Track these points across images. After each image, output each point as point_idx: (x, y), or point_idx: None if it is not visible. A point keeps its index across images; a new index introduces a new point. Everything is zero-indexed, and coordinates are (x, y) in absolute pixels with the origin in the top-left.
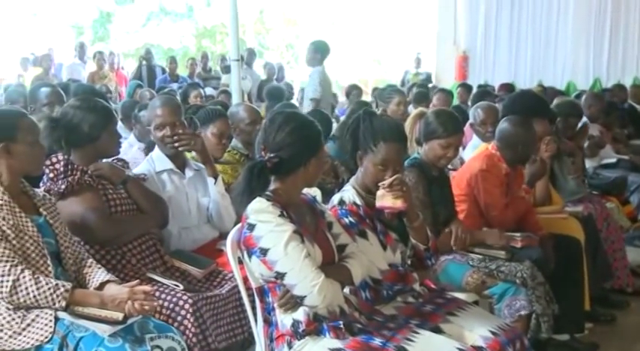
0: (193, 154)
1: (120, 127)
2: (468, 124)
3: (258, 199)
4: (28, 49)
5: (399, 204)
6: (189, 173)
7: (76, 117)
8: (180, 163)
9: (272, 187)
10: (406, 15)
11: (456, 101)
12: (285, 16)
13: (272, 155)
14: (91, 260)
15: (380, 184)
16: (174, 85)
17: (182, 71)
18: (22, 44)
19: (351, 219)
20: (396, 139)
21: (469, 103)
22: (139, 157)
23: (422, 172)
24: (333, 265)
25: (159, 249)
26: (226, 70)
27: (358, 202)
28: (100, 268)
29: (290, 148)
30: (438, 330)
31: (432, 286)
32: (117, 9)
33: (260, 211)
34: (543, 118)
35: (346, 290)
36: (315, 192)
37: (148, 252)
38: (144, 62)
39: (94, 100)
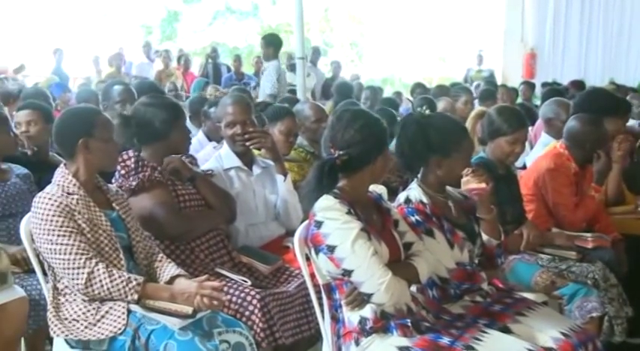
0: (261, 151)
1: (188, 124)
2: (538, 122)
3: (325, 196)
4: (99, 49)
5: (483, 184)
6: (256, 170)
7: (147, 114)
8: (248, 161)
9: (339, 184)
10: (471, 12)
11: (519, 99)
12: (349, 14)
13: (341, 153)
14: (161, 255)
15: (463, 172)
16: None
17: (247, 69)
18: (94, 44)
19: (417, 217)
20: (468, 136)
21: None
22: (211, 155)
23: (489, 171)
24: (399, 263)
25: (226, 245)
26: (291, 68)
27: (425, 200)
28: (170, 262)
29: (358, 145)
30: (506, 330)
31: (500, 285)
32: (184, 8)
33: (327, 208)
34: (616, 116)
35: (413, 288)
36: (380, 189)
37: (215, 247)
38: (210, 60)
39: (164, 98)
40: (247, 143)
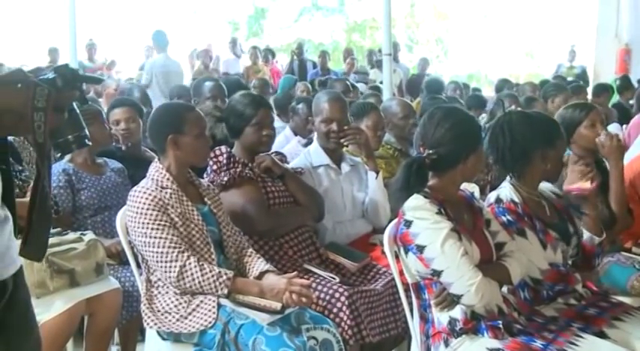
0: (349, 147)
1: (276, 120)
2: (633, 120)
3: (415, 195)
4: (190, 46)
5: (588, 184)
6: (345, 168)
7: (236, 110)
8: (337, 158)
9: (430, 183)
10: (562, 7)
11: (616, 96)
12: (436, 10)
13: (431, 152)
14: (251, 250)
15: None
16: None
17: (333, 65)
18: (185, 41)
19: (509, 217)
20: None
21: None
22: (297, 151)
23: (597, 164)
24: (490, 264)
25: (314, 241)
26: (377, 64)
27: (516, 199)
28: (259, 257)
29: (449, 144)
30: (602, 335)
31: (594, 288)
32: (271, 5)
33: (417, 207)
34: None
35: (504, 290)
36: (473, 188)
37: (304, 244)
38: (295, 57)
39: (252, 95)
40: (342, 140)
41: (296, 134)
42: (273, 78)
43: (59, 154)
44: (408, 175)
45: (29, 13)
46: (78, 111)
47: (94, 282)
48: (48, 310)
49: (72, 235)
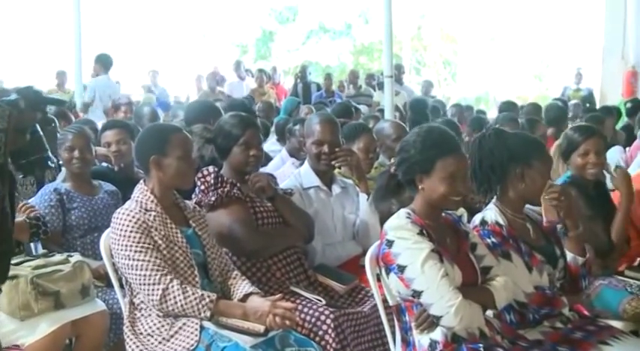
0: (341, 169)
1: (273, 143)
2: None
3: (397, 215)
4: (199, 69)
5: (555, 217)
6: (336, 190)
7: (224, 131)
8: (328, 180)
9: (413, 204)
10: (569, 29)
11: (624, 119)
12: (443, 32)
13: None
14: (236, 272)
15: (545, 190)
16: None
17: (338, 88)
18: (194, 64)
19: (493, 239)
20: (546, 149)
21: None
22: (291, 173)
23: (578, 187)
24: (475, 287)
25: (303, 263)
26: (379, 86)
27: (501, 221)
28: (244, 280)
29: (413, 151)
30: None
31: (585, 312)
32: (279, 28)
33: (399, 227)
34: None
35: (489, 313)
36: (461, 212)
37: (292, 266)
38: (299, 80)
39: (239, 116)
40: (333, 162)
41: (292, 156)
42: (280, 100)
43: (21, 176)
44: (381, 185)
45: (37, 36)
46: (41, 133)
47: (79, 304)
48: (33, 332)
49: (58, 257)
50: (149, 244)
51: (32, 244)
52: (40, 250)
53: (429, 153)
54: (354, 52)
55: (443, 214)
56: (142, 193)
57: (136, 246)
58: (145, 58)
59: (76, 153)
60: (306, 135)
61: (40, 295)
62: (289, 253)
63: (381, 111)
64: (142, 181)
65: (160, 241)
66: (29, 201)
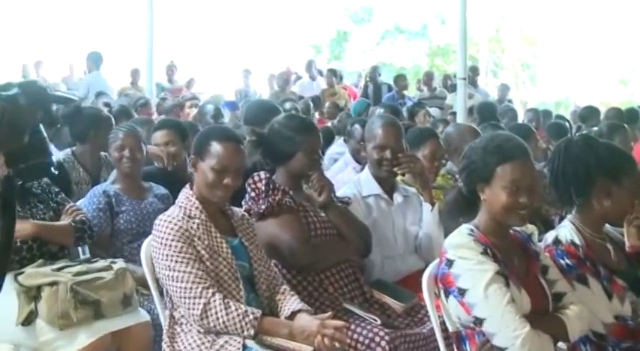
0: (405, 176)
1: (340, 144)
2: None
3: (459, 232)
4: (273, 68)
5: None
6: (397, 199)
7: (277, 134)
8: (389, 188)
9: (476, 220)
10: None
11: None
12: (522, 34)
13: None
14: (284, 287)
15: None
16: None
17: (412, 90)
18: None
19: (568, 261)
20: (637, 166)
21: None
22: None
23: None
24: (545, 316)
25: (358, 278)
26: (452, 89)
27: (577, 241)
28: (293, 295)
29: (475, 159)
30: None
31: None
32: (353, 28)
33: (460, 246)
34: None
35: (561, 345)
36: (531, 229)
37: (346, 280)
38: (369, 81)
39: (298, 117)
40: (395, 169)
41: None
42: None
43: (20, 183)
44: (450, 200)
45: (113, 34)
46: (44, 134)
47: (121, 314)
48: (71, 343)
49: (101, 263)
50: (191, 254)
51: (80, 249)
52: (87, 255)
53: (489, 159)
54: (430, 53)
55: (510, 232)
56: (186, 198)
57: (177, 256)
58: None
59: (127, 152)
60: (367, 139)
61: (80, 304)
62: (343, 267)
63: (454, 114)
64: (187, 185)
65: (203, 252)
66: (78, 203)
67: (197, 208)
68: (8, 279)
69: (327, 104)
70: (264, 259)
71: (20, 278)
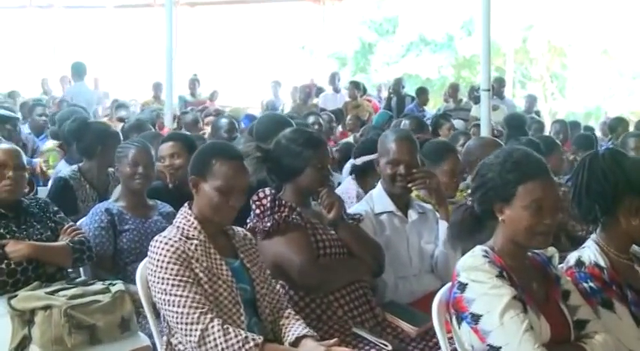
0: (420, 192)
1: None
2: None
3: (472, 253)
4: (296, 80)
5: None
6: (412, 216)
7: (284, 148)
8: (403, 205)
9: (492, 241)
10: None
11: None
12: (550, 45)
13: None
14: (289, 311)
15: None
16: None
17: (438, 102)
18: (291, 76)
19: (591, 284)
20: None
21: None
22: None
23: None
24: (566, 345)
25: (369, 300)
26: (475, 100)
27: (602, 263)
28: (298, 320)
29: (492, 176)
30: None
31: None
32: (378, 40)
33: (473, 268)
34: None
35: None
36: (551, 252)
37: (357, 302)
38: (392, 93)
39: (305, 131)
40: (410, 184)
41: None
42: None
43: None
44: (457, 220)
45: (137, 49)
46: None
47: (118, 339)
48: None
49: (98, 286)
50: (188, 277)
51: (82, 270)
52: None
53: (509, 176)
54: (456, 65)
55: (529, 254)
56: (184, 217)
57: (174, 279)
58: (247, 71)
59: (140, 169)
60: (380, 154)
61: (74, 329)
62: (354, 288)
63: (478, 126)
64: (186, 204)
65: (201, 275)
66: (79, 221)
67: (195, 228)
68: (2, 302)
69: (349, 117)
70: (267, 281)
71: (13, 302)
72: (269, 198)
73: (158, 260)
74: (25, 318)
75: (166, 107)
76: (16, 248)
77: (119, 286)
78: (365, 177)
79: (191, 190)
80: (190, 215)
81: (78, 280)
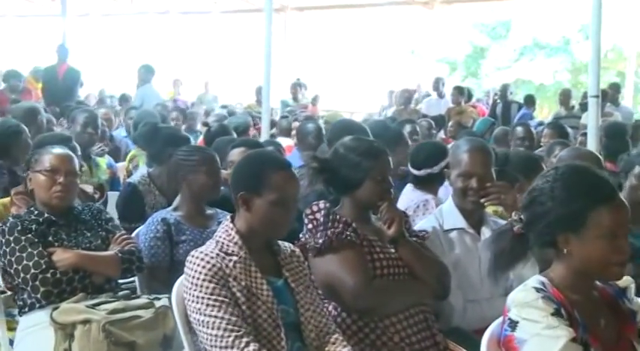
0: (499, 208)
1: None
2: None
3: (524, 286)
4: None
5: None
6: (486, 234)
7: (342, 159)
8: (476, 221)
9: (550, 271)
10: None
11: None
12: None
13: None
14: (336, 336)
15: None
16: None
17: (553, 108)
18: (399, 80)
19: None
20: None
21: None
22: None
23: None
24: None
25: (430, 326)
26: (582, 108)
27: None
28: (345, 346)
29: (549, 199)
30: None
31: None
32: (491, 44)
33: (525, 305)
34: None
35: None
36: (625, 281)
37: (416, 328)
38: (498, 99)
39: (364, 140)
40: (483, 200)
41: None
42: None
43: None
44: (502, 249)
45: (244, 53)
46: None
47: None
48: None
49: (142, 300)
50: (225, 297)
51: (137, 283)
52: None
53: (576, 204)
54: (572, 69)
55: (598, 284)
56: (225, 231)
57: (208, 298)
58: (350, 75)
59: (216, 178)
60: (452, 165)
61: (113, 346)
62: (413, 312)
63: (584, 135)
64: (228, 217)
65: (238, 294)
66: (136, 230)
67: (236, 243)
68: (46, 313)
69: (450, 123)
70: (315, 302)
71: (54, 314)
72: (322, 212)
73: (193, 277)
74: (67, 331)
75: (264, 112)
76: (62, 257)
77: (164, 301)
78: (432, 183)
79: (235, 204)
80: (232, 229)
81: (120, 293)
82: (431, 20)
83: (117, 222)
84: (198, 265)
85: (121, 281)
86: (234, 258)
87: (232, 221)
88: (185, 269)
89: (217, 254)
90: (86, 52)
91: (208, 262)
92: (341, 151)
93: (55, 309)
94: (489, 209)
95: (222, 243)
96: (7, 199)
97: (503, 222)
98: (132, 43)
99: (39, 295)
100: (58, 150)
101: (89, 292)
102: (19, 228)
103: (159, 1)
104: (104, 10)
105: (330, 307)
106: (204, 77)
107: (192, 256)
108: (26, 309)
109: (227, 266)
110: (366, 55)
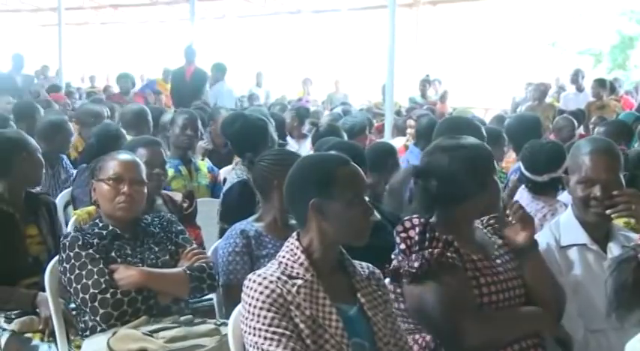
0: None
1: None
2: None
3: None
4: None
5: None
6: (613, 251)
7: (446, 167)
8: (601, 236)
9: None
10: None
11: None
12: None
13: None
14: None
15: None
16: None
17: None
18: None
19: None
20: None
21: None
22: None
23: None
24: None
25: None
26: None
27: None
28: None
29: None
30: None
31: None
32: None
33: None
34: None
35: None
36: None
37: None
38: None
39: (470, 145)
40: (608, 211)
41: None
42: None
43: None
44: (625, 281)
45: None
46: None
47: None
48: None
49: (207, 326)
50: (285, 328)
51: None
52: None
53: None
54: None
55: None
56: (290, 251)
57: (266, 331)
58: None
59: None
60: (571, 170)
61: None
62: (525, 346)
63: None
64: (294, 235)
65: (302, 326)
66: (214, 244)
67: (302, 264)
68: (104, 339)
69: (592, 119)
70: (397, 335)
71: (111, 341)
72: (417, 229)
73: (250, 305)
74: None
75: (386, 110)
76: (124, 275)
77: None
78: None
79: (298, 220)
80: (297, 248)
81: (182, 318)
82: (574, 9)
83: (187, 235)
84: (256, 290)
85: (198, 304)
86: (299, 282)
87: (298, 238)
88: (242, 295)
89: (279, 278)
90: (219, 53)
91: (267, 287)
92: (438, 158)
93: (114, 334)
94: (619, 221)
95: (286, 264)
96: (92, 208)
97: (636, 236)
98: (264, 43)
99: (98, 318)
100: (123, 156)
101: (154, 314)
102: (80, 242)
103: (291, 1)
104: (239, 12)
105: (419, 338)
106: (335, 76)
107: (250, 280)
108: (87, 332)
109: (289, 292)
110: (502, 50)
